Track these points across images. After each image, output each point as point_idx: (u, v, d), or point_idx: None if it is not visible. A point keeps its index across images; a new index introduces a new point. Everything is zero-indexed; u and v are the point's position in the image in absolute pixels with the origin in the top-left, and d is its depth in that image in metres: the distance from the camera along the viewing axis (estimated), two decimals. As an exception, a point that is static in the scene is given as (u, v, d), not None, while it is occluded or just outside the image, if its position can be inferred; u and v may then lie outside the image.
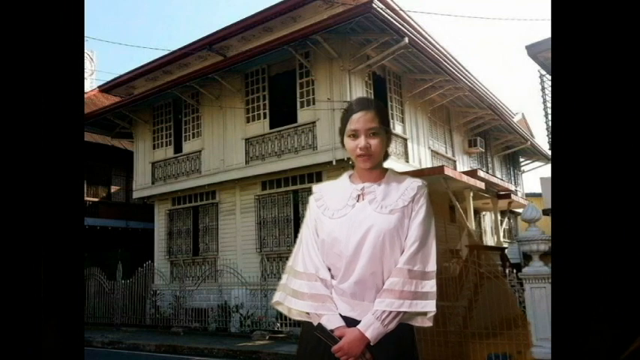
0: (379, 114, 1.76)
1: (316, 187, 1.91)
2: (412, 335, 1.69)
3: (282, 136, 11.88)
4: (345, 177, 1.87)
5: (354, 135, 1.74)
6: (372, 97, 11.71)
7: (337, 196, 1.80)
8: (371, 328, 1.60)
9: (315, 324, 1.69)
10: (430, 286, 1.65)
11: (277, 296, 1.85)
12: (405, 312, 1.62)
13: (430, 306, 1.64)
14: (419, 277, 1.64)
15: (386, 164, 1.86)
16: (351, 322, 1.64)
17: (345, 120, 1.78)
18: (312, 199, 1.88)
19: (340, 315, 1.67)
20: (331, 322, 1.65)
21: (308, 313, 1.73)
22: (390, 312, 1.61)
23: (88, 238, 15.48)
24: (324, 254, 1.74)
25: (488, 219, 17.23)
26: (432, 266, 1.67)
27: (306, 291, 1.72)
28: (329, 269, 1.73)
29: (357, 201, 1.74)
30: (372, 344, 1.60)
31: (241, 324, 11.15)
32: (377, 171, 1.79)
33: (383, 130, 1.75)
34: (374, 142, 1.72)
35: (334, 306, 1.67)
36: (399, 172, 1.92)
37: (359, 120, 1.73)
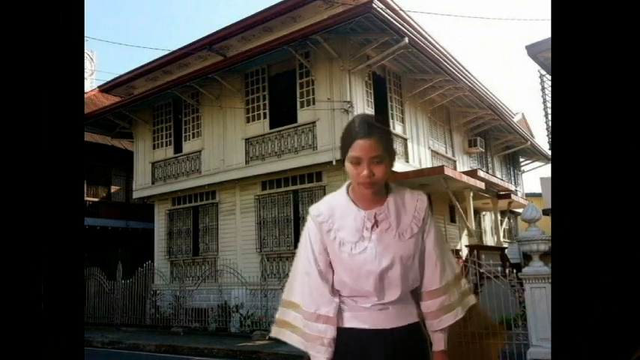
0: (383, 138, 1.65)
1: (316, 209, 1.78)
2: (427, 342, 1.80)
3: (282, 136, 11.88)
4: (344, 196, 1.76)
5: (357, 162, 1.63)
6: (373, 97, 11.73)
7: (348, 225, 1.70)
8: (444, 340, 1.76)
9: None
10: (464, 283, 1.81)
11: (273, 331, 1.83)
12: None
13: (472, 299, 1.82)
14: (454, 283, 1.77)
15: None
16: (373, 334, 1.67)
17: (346, 143, 1.66)
18: (313, 222, 1.76)
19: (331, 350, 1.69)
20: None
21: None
22: (451, 324, 1.77)
23: (88, 238, 15.48)
24: (343, 287, 1.70)
25: (488, 219, 17.24)
26: (457, 268, 1.81)
27: (300, 326, 1.73)
28: (339, 293, 1.72)
29: (372, 231, 1.68)
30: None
31: (241, 324, 11.15)
32: (380, 191, 1.72)
33: (387, 155, 1.65)
34: (378, 169, 1.62)
35: (324, 349, 1.68)
36: (395, 172, 1.92)
37: (362, 147, 1.61)
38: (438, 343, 1.75)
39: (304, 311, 1.71)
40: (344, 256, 1.67)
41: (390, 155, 1.69)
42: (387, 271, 1.65)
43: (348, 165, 1.67)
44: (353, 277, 1.66)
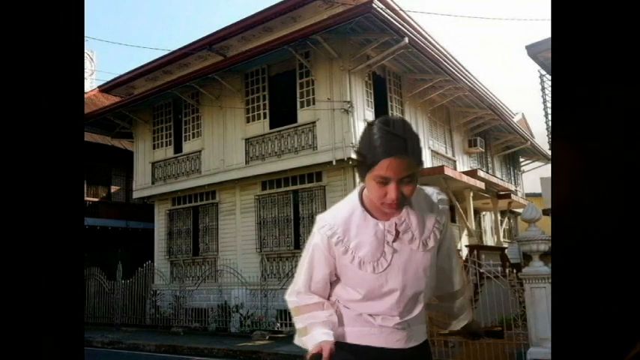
0: (417, 154, 1.41)
1: (328, 226, 1.54)
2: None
3: (282, 136, 11.88)
4: (357, 206, 1.55)
5: (384, 182, 1.40)
6: (373, 97, 11.73)
7: (367, 242, 1.51)
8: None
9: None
10: (469, 289, 1.97)
11: (296, 341, 1.65)
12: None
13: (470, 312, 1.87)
14: (462, 290, 1.78)
15: None
16: (391, 354, 1.54)
17: (368, 154, 1.41)
18: (322, 242, 1.54)
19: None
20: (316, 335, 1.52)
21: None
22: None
23: (88, 238, 15.46)
24: (361, 305, 1.56)
25: (488, 219, 17.24)
26: (463, 273, 1.83)
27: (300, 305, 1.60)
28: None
29: (394, 243, 1.51)
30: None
31: (241, 324, 11.15)
32: None
33: (417, 173, 1.43)
34: (407, 189, 1.41)
35: (324, 314, 1.56)
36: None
37: (394, 168, 1.37)
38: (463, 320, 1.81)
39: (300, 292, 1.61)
40: (366, 276, 1.51)
41: (420, 170, 1.46)
42: (410, 286, 1.53)
43: (370, 183, 1.43)
44: (374, 297, 1.52)
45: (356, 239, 1.51)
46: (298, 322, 1.61)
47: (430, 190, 1.62)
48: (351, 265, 1.51)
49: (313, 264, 1.56)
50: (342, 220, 1.53)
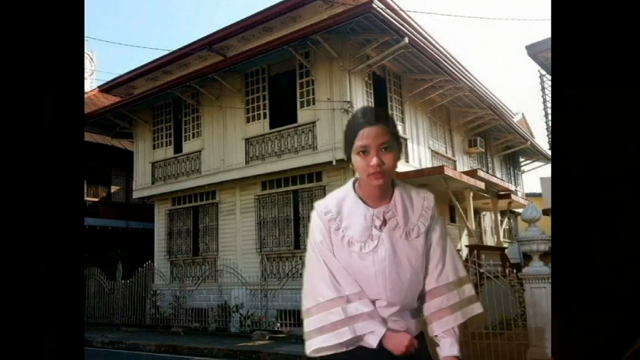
0: (390, 125, 1.62)
1: (323, 205, 1.69)
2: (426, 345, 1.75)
3: (282, 136, 11.88)
4: (351, 192, 1.68)
5: (364, 151, 1.57)
6: (373, 97, 11.74)
7: (357, 223, 1.63)
8: (456, 345, 1.68)
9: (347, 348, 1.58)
10: (469, 289, 1.72)
11: (307, 350, 1.64)
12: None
13: (478, 307, 1.72)
14: (457, 286, 1.70)
15: None
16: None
17: (350, 135, 1.61)
18: (320, 220, 1.67)
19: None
20: (377, 334, 1.57)
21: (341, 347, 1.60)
22: (454, 327, 1.67)
23: (88, 238, 15.46)
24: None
25: (488, 219, 17.24)
26: (462, 271, 1.74)
27: (347, 315, 1.58)
28: None
29: (381, 229, 1.62)
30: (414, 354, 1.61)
31: (241, 324, 11.15)
32: (387, 186, 1.66)
33: (395, 143, 1.62)
34: (387, 157, 1.57)
35: (379, 319, 1.59)
36: (399, 172, 1.90)
37: (369, 135, 1.56)
38: (446, 348, 1.66)
39: (340, 299, 1.59)
40: (353, 256, 1.61)
41: (398, 144, 1.65)
42: (395, 272, 1.60)
43: (355, 157, 1.60)
44: (361, 279, 1.61)
45: (347, 220, 1.64)
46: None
47: (420, 191, 1.76)
48: (341, 243, 1.63)
49: (322, 236, 1.65)
50: (336, 202, 1.69)
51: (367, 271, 1.60)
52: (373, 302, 1.61)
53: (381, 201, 1.65)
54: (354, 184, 1.71)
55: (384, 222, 1.63)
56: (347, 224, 1.64)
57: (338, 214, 1.65)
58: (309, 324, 1.64)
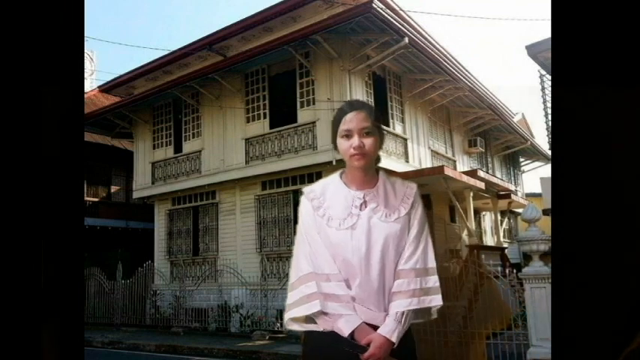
0: (372, 114, 1.76)
1: (309, 189, 1.84)
2: (411, 333, 1.74)
3: (282, 136, 11.88)
4: (337, 179, 1.83)
5: (348, 135, 1.73)
6: (373, 97, 11.74)
7: (338, 203, 1.75)
8: (395, 331, 1.63)
9: (325, 329, 1.65)
10: (433, 281, 1.73)
11: (286, 322, 1.76)
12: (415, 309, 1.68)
13: (436, 300, 1.73)
14: (422, 274, 1.71)
15: (387, 164, 1.86)
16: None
17: (337, 122, 1.77)
18: (306, 200, 1.80)
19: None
20: (351, 322, 1.62)
21: (315, 322, 1.68)
22: (405, 312, 1.66)
23: (88, 238, 15.46)
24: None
25: (488, 219, 17.23)
26: (432, 262, 1.76)
27: (320, 291, 1.66)
28: None
29: (361, 209, 1.72)
30: (395, 347, 1.62)
31: (241, 324, 11.15)
32: (371, 174, 1.79)
33: (376, 130, 1.75)
34: (368, 141, 1.71)
35: (352, 306, 1.65)
36: (393, 171, 1.93)
37: (352, 120, 1.73)
38: (384, 327, 1.63)
39: (321, 275, 1.68)
40: (331, 231, 1.71)
41: (380, 132, 1.78)
42: (374, 251, 1.66)
43: (339, 141, 1.76)
44: (339, 255, 1.68)
45: (329, 200, 1.77)
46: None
47: (404, 181, 1.87)
48: (322, 220, 1.74)
49: (306, 217, 1.78)
50: (322, 186, 1.84)
51: (345, 246, 1.68)
52: (350, 283, 1.66)
53: (364, 186, 1.77)
54: (341, 173, 1.85)
55: (365, 203, 1.74)
56: (329, 204, 1.76)
57: (322, 194, 1.79)
58: (289, 298, 1.74)
